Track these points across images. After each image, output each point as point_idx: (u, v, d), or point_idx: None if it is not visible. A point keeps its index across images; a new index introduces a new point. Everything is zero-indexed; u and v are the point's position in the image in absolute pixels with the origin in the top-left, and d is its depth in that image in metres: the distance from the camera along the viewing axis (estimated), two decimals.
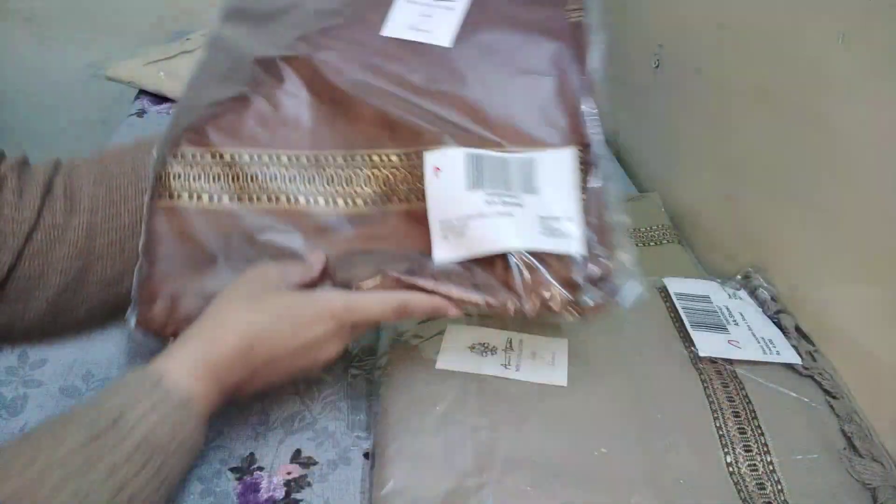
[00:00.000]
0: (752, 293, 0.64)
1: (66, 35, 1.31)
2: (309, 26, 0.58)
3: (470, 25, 0.56)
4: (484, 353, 0.56)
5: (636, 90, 0.95)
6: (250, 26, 0.61)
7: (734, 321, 0.60)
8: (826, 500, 0.47)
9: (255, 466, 0.50)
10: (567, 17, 0.56)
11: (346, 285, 0.51)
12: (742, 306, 0.62)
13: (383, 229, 0.53)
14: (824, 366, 0.57)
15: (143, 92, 1.09)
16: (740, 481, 0.48)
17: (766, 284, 0.64)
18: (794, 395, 0.54)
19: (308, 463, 0.51)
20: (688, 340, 0.58)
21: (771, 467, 0.49)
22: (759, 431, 0.51)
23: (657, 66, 0.88)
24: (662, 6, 0.88)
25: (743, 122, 0.70)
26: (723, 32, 0.73)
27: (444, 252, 0.50)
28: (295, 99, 0.55)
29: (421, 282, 0.49)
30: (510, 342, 0.57)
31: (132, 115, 1.04)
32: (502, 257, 0.49)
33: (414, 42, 0.56)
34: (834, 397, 0.54)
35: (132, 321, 0.52)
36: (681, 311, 0.60)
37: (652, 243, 0.75)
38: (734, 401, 0.53)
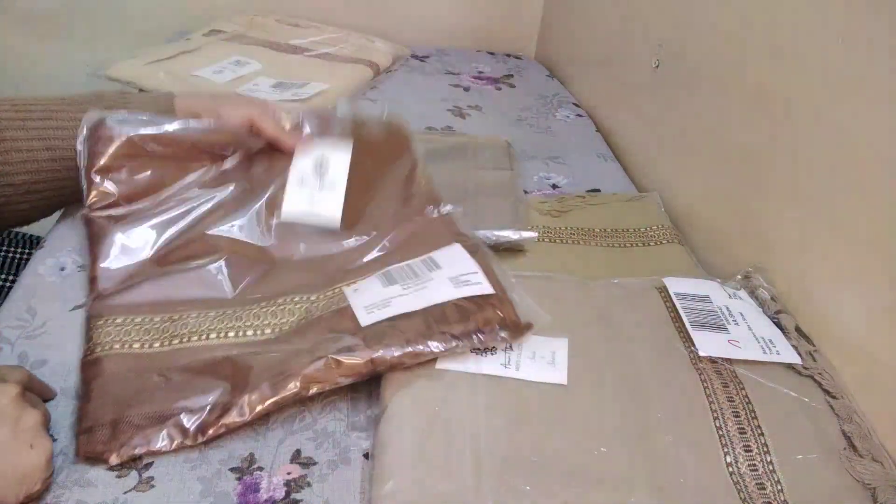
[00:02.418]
0: (752, 293, 0.64)
1: (66, 35, 1.30)
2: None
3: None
4: (484, 353, 0.56)
5: (636, 90, 0.95)
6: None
7: (734, 321, 0.60)
8: (826, 500, 0.47)
9: (255, 466, 0.50)
10: (439, 215, 0.69)
11: (289, 375, 0.54)
12: (742, 306, 0.62)
13: (311, 330, 0.58)
14: (824, 366, 0.57)
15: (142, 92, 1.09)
16: (740, 481, 0.48)
17: (766, 284, 0.64)
18: (794, 395, 0.54)
19: (308, 463, 0.51)
20: (688, 340, 0.58)
21: (771, 467, 0.49)
22: (759, 431, 0.51)
23: (657, 66, 0.88)
24: (662, 6, 0.88)
25: (743, 122, 0.70)
26: (723, 32, 0.73)
27: (369, 318, 0.57)
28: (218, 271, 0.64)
29: (356, 357, 0.54)
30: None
31: None
32: (424, 312, 0.56)
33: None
34: (834, 397, 0.54)
35: (73, 451, 0.51)
36: (681, 311, 0.60)
37: (652, 243, 0.75)
38: (734, 401, 0.53)
